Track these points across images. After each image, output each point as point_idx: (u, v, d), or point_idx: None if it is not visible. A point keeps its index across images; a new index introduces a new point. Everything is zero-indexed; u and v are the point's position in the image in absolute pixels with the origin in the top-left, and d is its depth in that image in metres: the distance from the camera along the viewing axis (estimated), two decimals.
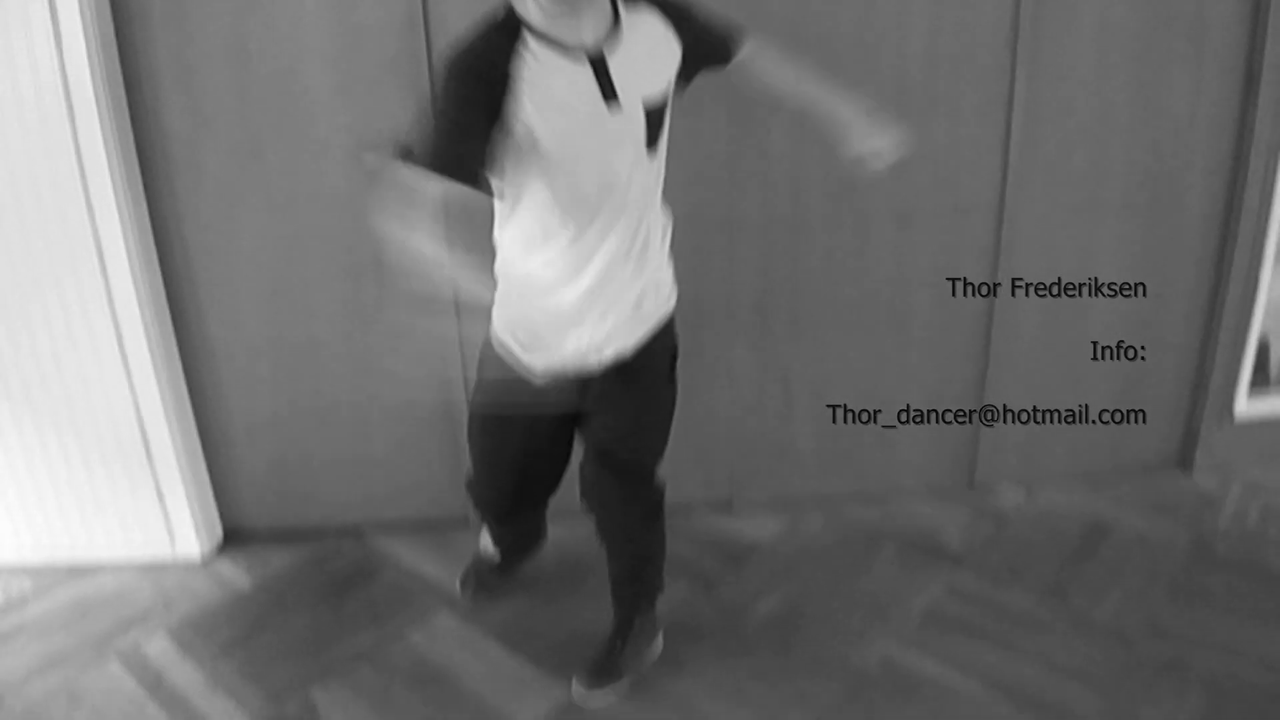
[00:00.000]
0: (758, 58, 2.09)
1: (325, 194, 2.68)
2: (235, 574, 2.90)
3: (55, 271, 2.64)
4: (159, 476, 2.87)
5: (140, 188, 2.65)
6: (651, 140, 1.89)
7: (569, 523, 2.64)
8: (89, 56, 2.46)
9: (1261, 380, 3.28)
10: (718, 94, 2.45)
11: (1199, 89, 2.81)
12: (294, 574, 2.90)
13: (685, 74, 1.97)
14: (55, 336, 2.71)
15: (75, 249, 2.61)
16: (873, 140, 2.08)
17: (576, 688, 2.32)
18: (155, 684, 2.46)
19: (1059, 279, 2.95)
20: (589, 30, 1.77)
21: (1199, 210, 2.95)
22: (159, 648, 2.59)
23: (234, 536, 3.06)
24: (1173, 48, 2.76)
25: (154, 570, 2.93)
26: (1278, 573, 2.72)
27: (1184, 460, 3.24)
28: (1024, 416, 3.11)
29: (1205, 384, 3.12)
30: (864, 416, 3.03)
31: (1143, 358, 3.10)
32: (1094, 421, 3.15)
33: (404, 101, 2.58)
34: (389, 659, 2.51)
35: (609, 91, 1.79)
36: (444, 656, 2.50)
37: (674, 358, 2.18)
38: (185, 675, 2.48)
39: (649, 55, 1.86)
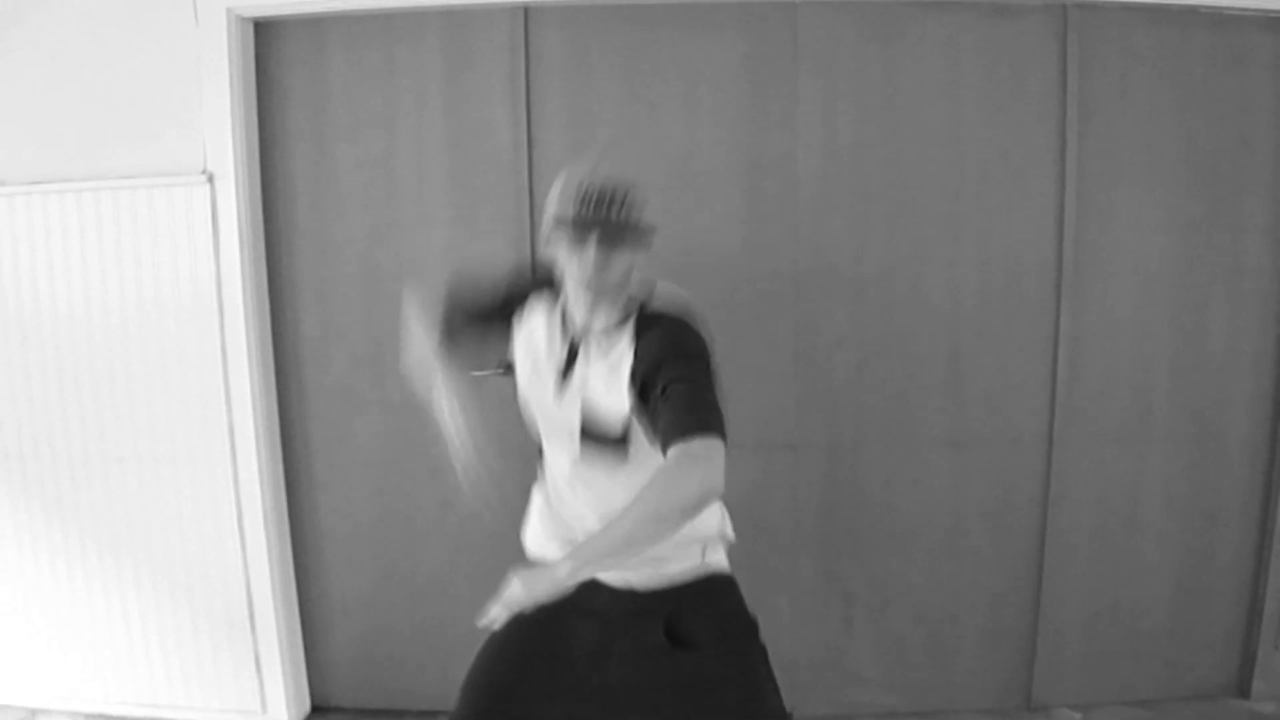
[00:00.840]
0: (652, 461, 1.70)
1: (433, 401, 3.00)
2: None
3: (191, 446, 2.98)
4: (259, 646, 3.10)
5: (273, 382, 3.01)
6: (592, 439, 1.82)
7: None
8: (241, 267, 2.88)
9: None
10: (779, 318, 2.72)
11: (1236, 325, 3.01)
12: None
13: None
14: (183, 505, 3.02)
15: (210, 432, 2.96)
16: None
17: None
18: None
19: (1108, 498, 3.10)
20: (600, 319, 1.84)
21: (1243, 440, 3.10)
22: None
23: (321, 709, 3.25)
24: (1209, 287, 2.99)
25: None
26: None
27: (1242, 688, 3.26)
28: (1079, 641, 3.19)
29: (1259, 610, 3.18)
30: (922, 634, 3.14)
31: (1197, 586, 3.19)
32: (1150, 648, 3.22)
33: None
34: None
35: (566, 373, 1.88)
36: None
37: (745, 637, 1.90)
38: None
39: (611, 371, 1.81)
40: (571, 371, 1.86)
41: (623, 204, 1.74)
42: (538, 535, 2.05)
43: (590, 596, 1.87)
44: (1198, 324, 3.02)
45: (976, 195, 2.92)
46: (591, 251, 1.74)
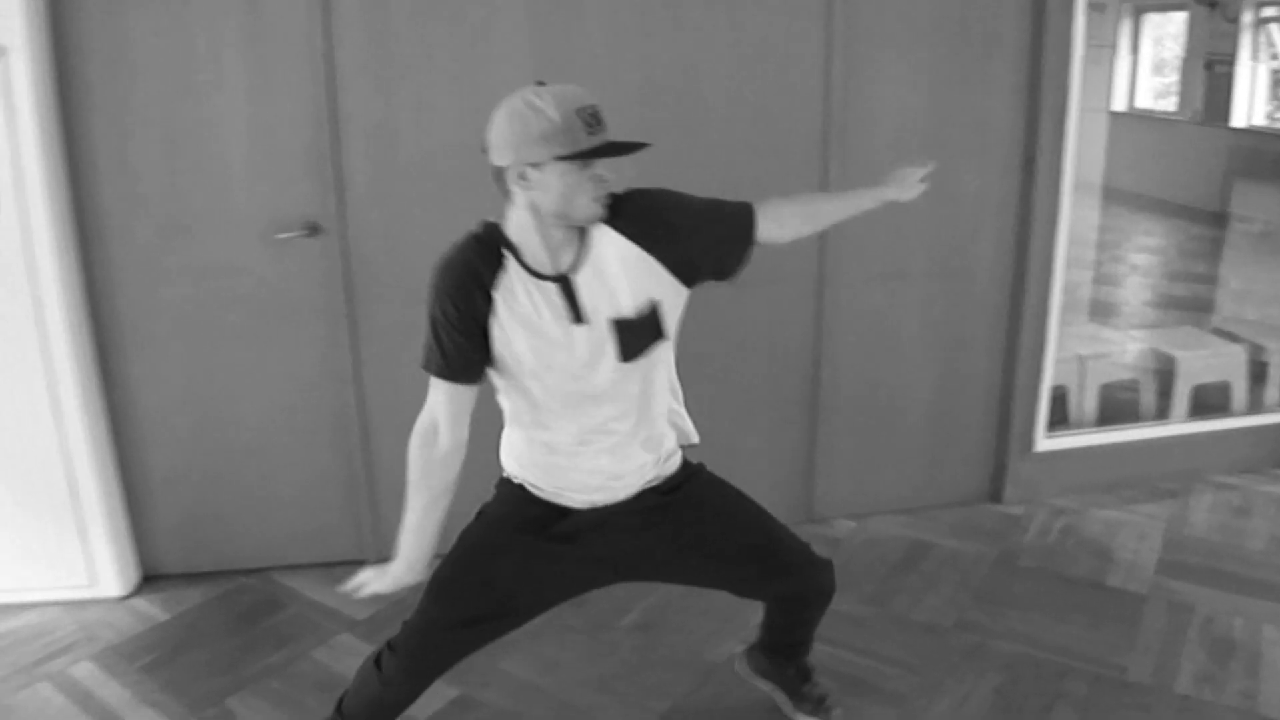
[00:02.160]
0: (777, 217, 2.04)
1: (240, 265, 3.07)
2: (152, 609, 3.17)
3: None
4: (84, 521, 3.13)
5: (77, 256, 3.00)
6: (629, 354, 1.89)
7: None
8: (39, 141, 2.83)
9: (1060, 423, 3.84)
10: None
11: (983, 174, 3.39)
12: (207, 608, 3.18)
13: (705, 270, 1.98)
14: None
15: (16, 310, 2.93)
16: (905, 194, 2.25)
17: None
18: (85, 700, 2.72)
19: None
20: (568, 255, 1.86)
21: (989, 276, 3.50)
22: (85, 671, 2.85)
23: (151, 579, 3.33)
24: (961, 140, 3.34)
25: (76, 607, 3.17)
26: (1071, 577, 3.21)
27: (995, 492, 3.74)
28: (851, 458, 3.60)
29: (1008, 424, 3.64)
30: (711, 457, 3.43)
31: (953, 405, 3.62)
32: (914, 462, 3.66)
33: (311, 185, 3.02)
34: (297, 672, 2.82)
35: (576, 315, 1.86)
36: (348, 667, 2.71)
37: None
38: (112, 692, 2.75)
39: (616, 278, 1.87)
40: (579, 305, 1.86)
41: (600, 111, 1.79)
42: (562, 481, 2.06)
43: (577, 517, 2.06)
44: (950, 173, 3.33)
45: (749, 55, 3.14)
46: (601, 169, 1.79)
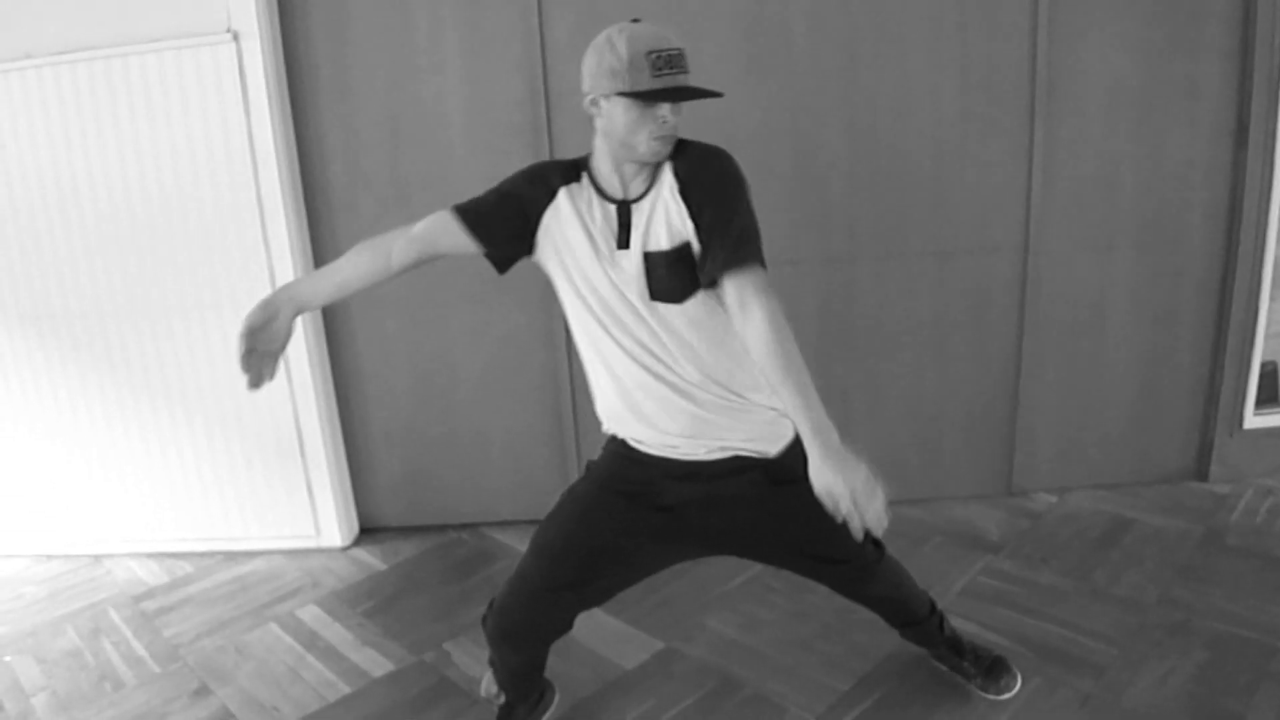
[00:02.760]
0: (732, 304, 1.85)
1: None
2: (372, 559, 3.40)
3: (234, 294, 3.21)
4: (310, 477, 3.39)
5: (307, 229, 3.24)
6: (659, 294, 1.91)
7: None
8: (270, 120, 3.07)
9: (1270, 400, 3.69)
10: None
11: (1194, 141, 3.27)
12: (423, 559, 3.39)
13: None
14: (231, 350, 3.19)
15: (253, 275, 3.19)
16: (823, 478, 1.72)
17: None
18: (310, 641, 2.94)
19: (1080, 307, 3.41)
20: (638, 184, 1.93)
21: (1201, 247, 3.39)
22: (310, 614, 3.08)
23: (369, 531, 3.57)
24: (1170, 106, 3.23)
25: (301, 555, 3.44)
26: (1279, 558, 3.09)
27: (1200, 470, 3.62)
28: (1053, 432, 3.54)
29: (1215, 401, 3.52)
30: (911, 429, 3.46)
31: (1159, 380, 3.52)
32: (1117, 437, 3.57)
33: (526, 158, 3.11)
34: None
35: (624, 240, 1.92)
36: None
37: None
38: (336, 634, 2.96)
39: (665, 212, 1.91)
40: (630, 234, 1.92)
41: (684, 60, 1.83)
42: (629, 416, 2.05)
43: (683, 467, 2.04)
44: (1159, 140, 3.27)
45: (955, 23, 3.13)
46: (666, 109, 1.83)
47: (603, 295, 1.94)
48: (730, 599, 2.98)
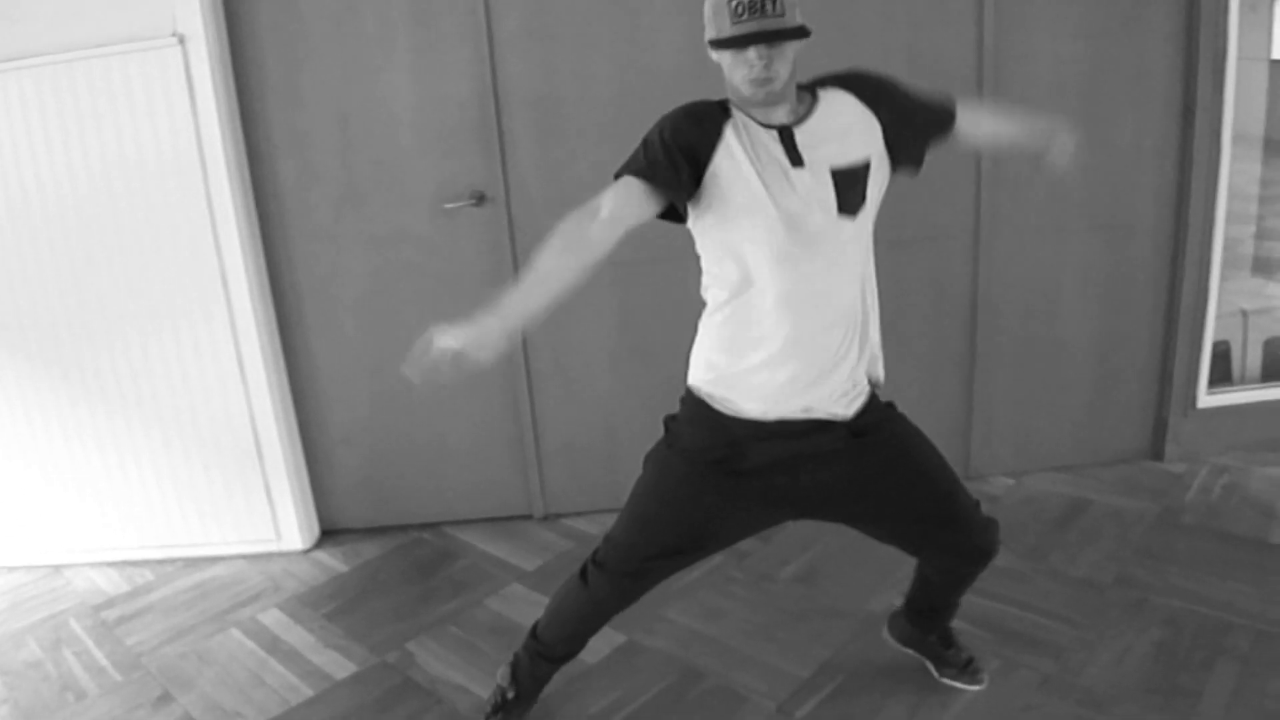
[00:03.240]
0: (971, 120, 2.17)
1: (412, 234, 3.25)
2: (333, 561, 3.38)
3: (187, 299, 3.18)
4: (269, 480, 3.37)
5: (259, 230, 3.21)
6: (845, 206, 1.94)
7: None
8: (219, 124, 3.04)
9: (1223, 379, 3.74)
10: None
11: (1142, 123, 3.31)
12: (385, 560, 3.38)
13: (906, 152, 2.05)
14: (184, 356, 3.24)
15: (205, 280, 3.16)
16: (1057, 150, 2.21)
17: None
18: (272, 645, 2.92)
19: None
20: (783, 113, 1.93)
21: (1151, 229, 3.43)
22: (272, 618, 3.06)
23: (330, 533, 3.55)
24: (1118, 90, 3.27)
25: (262, 560, 3.41)
26: (1235, 535, 3.13)
27: (1155, 450, 3.66)
28: (1010, 415, 3.57)
29: (1169, 381, 3.56)
30: None
31: (1113, 362, 3.56)
32: (1073, 419, 3.61)
33: (477, 156, 3.16)
34: (472, 619, 2.97)
35: (795, 159, 1.91)
36: (521, 615, 2.93)
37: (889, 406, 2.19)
38: (298, 637, 2.95)
39: (842, 130, 1.95)
40: (799, 155, 1.92)
41: (775, 4, 1.82)
42: (785, 381, 2.02)
43: (765, 446, 2.05)
44: (1107, 123, 3.29)
45: (904, 8, 3.14)
46: (753, 54, 1.84)
47: (791, 213, 1.91)
48: (691, 590, 2.99)
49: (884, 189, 2.03)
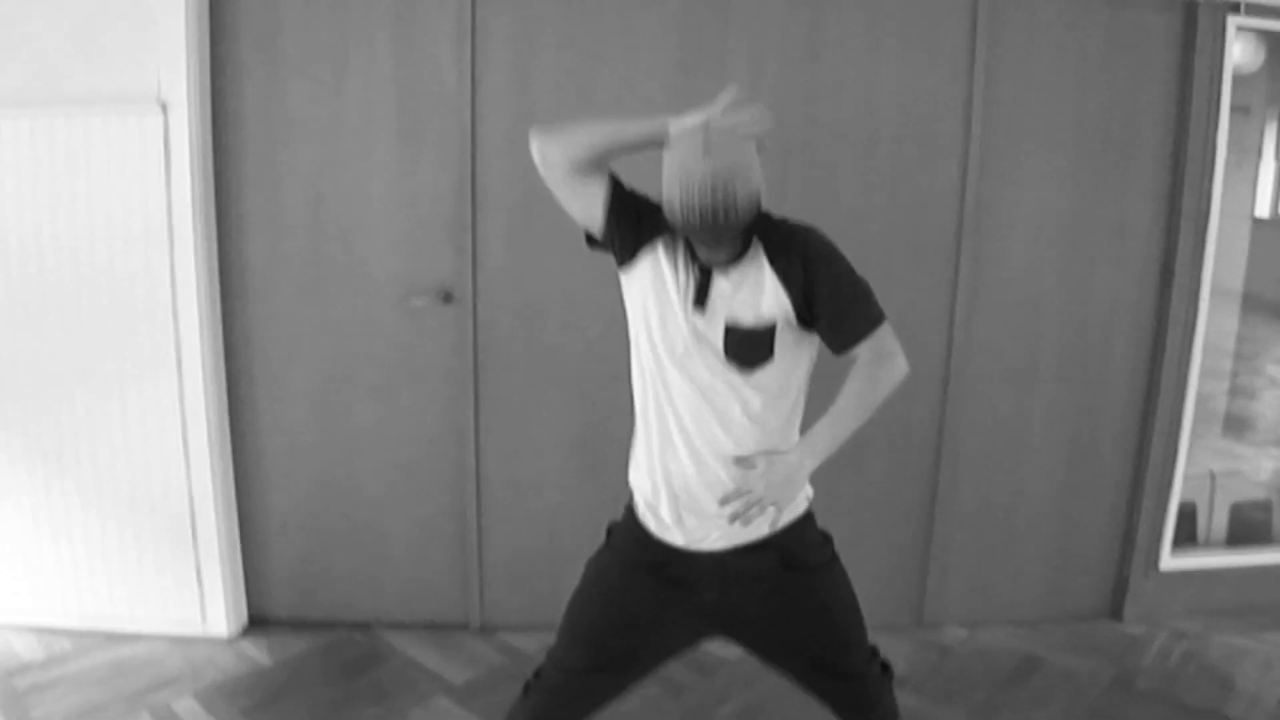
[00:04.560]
0: (867, 360, 1.97)
1: (374, 326, 3.18)
2: (258, 652, 3.24)
3: (138, 368, 3.10)
4: (200, 560, 3.25)
5: (219, 307, 3.14)
6: (736, 358, 1.94)
7: None
8: (191, 195, 3.00)
9: (1188, 540, 3.68)
10: None
11: (1120, 278, 3.30)
12: (310, 656, 3.24)
13: (823, 338, 1.99)
14: (129, 424, 3.14)
15: (158, 351, 3.09)
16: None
17: None
18: None
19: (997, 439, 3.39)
20: (716, 257, 1.93)
21: (1123, 384, 3.39)
22: (186, 707, 2.92)
23: (258, 622, 3.41)
24: (1097, 244, 3.26)
25: (184, 643, 3.26)
26: (1189, 705, 3.04)
27: (1115, 609, 3.58)
28: (967, 563, 3.49)
29: (1132, 539, 3.50)
30: None
31: (1076, 516, 3.50)
32: (1032, 572, 3.53)
33: (448, 255, 3.11)
34: None
35: (700, 299, 1.92)
36: None
37: (826, 541, 2.16)
38: None
39: (754, 288, 1.92)
40: (709, 293, 1.93)
41: (727, 211, 1.80)
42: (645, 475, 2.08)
43: (694, 562, 2.05)
44: (1085, 276, 3.29)
45: (889, 150, 3.14)
46: (704, 248, 1.89)
47: (669, 331, 1.97)
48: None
49: (814, 344, 2.00)
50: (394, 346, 3.18)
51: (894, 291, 3.17)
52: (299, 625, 3.40)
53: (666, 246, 1.98)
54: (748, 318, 1.92)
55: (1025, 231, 3.22)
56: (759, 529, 2.00)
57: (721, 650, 3.23)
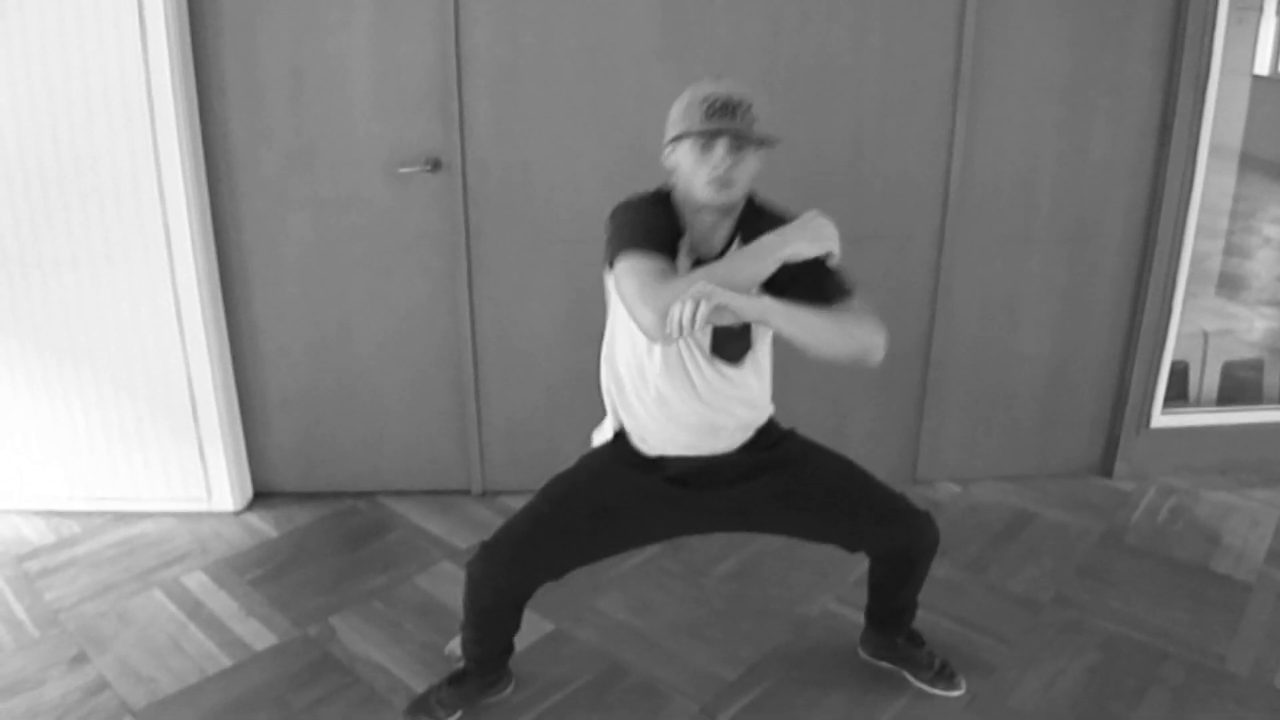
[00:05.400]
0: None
1: (362, 197, 3.14)
2: (264, 525, 3.30)
3: (128, 250, 3.06)
4: (202, 438, 3.28)
5: (205, 184, 3.09)
6: (721, 353, 2.06)
7: None
8: (170, 70, 2.91)
9: (1180, 398, 3.71)
10: None
11: (1118, 137, 3.25)
12: (316, 527, 3.30)
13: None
14: (122, 308, 3.12)
15: (147, 232, 3.05)
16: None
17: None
18: (194, 609, 2.84)
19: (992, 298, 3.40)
20: (723, 236, 2.02)
21: (1118, 244, 3.38)
22: (197, 581, 2.99)
23: (263, 496, 3.47)
24: (1095, 101, 3.20)
25: (191, 519, 3.32)
26: (1177, 560, 3.11)
27: (1105, 466, 3.64)
28: (960, 421, 3.54)
29: (1124, 397, 3.53)
30: (819, 416, 3.40)
31: (1068, 375, 3.52)
32: (1024, 429, 3.57)
33: (434, 122, 3.05)
34: (399, 596, 2.91)
35: None
36: (448, 596, 2.87)
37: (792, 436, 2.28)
38: (220, 603, 2.87)
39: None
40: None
41: (747, 111, 1.90)
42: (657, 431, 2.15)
43: (675, 465, 2.16)
44: (1082, 135, 3.24)
45: (883, 9, 3.06)
46: (720, 152, 1.89)
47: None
48: (624, 581, 2.95)
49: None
50: (383, 217, 3.15)
51: (889, 153, 3.18)
52: (303, 497, 3.46)
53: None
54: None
55: (1022, 91, 3.16)
56: (737, 437, 2.18)
57: None
